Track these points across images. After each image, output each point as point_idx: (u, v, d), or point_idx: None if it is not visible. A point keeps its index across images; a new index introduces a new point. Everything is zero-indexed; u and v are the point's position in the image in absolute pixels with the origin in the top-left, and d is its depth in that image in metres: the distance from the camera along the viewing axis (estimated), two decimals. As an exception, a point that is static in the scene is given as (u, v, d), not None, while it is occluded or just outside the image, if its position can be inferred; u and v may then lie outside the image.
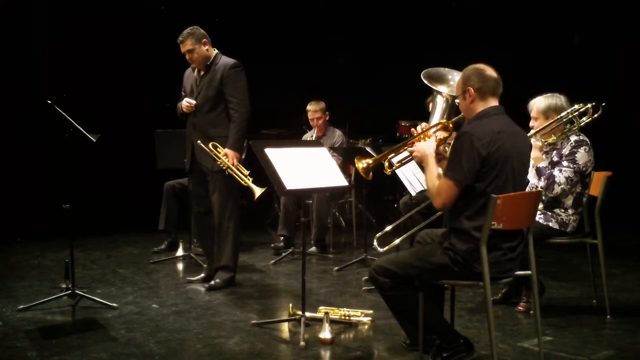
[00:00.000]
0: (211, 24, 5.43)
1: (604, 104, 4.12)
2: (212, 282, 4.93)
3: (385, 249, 3.76)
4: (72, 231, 4.46)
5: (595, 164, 4.20)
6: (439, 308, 3.49)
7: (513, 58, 7.86)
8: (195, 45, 4.83)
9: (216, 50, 4.97)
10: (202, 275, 5.15)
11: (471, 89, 3.19)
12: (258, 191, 4.73)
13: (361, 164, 3.49)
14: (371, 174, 3.51)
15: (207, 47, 4.89)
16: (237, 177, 4.78)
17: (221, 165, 4.78)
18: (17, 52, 7.26)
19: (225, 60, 4.92)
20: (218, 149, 4.80)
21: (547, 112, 4.22)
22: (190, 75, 5.05)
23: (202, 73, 4.93)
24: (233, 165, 4.78)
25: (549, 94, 4.28)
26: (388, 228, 4.04)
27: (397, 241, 3.82)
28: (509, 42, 8.25)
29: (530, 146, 3.34)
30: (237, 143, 4.83)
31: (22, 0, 7.37)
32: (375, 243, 3.73)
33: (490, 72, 3.21)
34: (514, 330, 3.95)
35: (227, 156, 4.78)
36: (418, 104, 5.94)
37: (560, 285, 5.03)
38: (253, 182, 4.76)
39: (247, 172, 4.79)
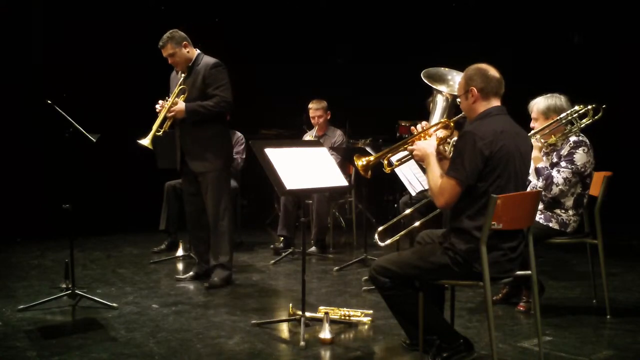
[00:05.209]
0: (211, 24, 5.43)
1: (604, 105, 4.12)
2: (211, 280, 4.96)
3: (385, 243, 3.76)
4: (72, 231, 4.46)
5: (595, 164, 4.19)
6: (439, 308, 3.49)
7: (513, 58, 7.86)
8: (176, 48, 4.84)
9: (198, 51, 4.98)
10: (191, 273, 5.19)
11: (474, 89, 3.19)
12: (145, 142, 4.68)
13: (360, 162, 3.48)
14: (370, 172, 3.51)
15: (188, 49, 4.90)
16: (158, 118, 4.75)
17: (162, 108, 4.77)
18: (17, 52, 7.26)
19: (207, 60, 4.92)
20: (179, 99, 4.78)
21: (547, 113, 4.22)
22: (174, 78, 5.07)
23: (185, 75, 4.92)
24: (167, 113, 4.74)
25: (549, 95, 4.28)
26: (389, 223, 4.04)
27: (396, 237, 3.83)
28: (509, 42, 8.25)
29: (532, 146, 3.34)
30: (195, 109, 4.77)
31: (22, 0, 7.37)
32: (376, 237, 3.74)
33: (493, 72, 3.21)
34: (514, 330, 3.94)
35: (176, 104, 4.76)
36: (418, 104, 5.94)
37: (560, 285, 5.03)
38: (155, 135, 4.72)
39: (159, 126, 4.74)
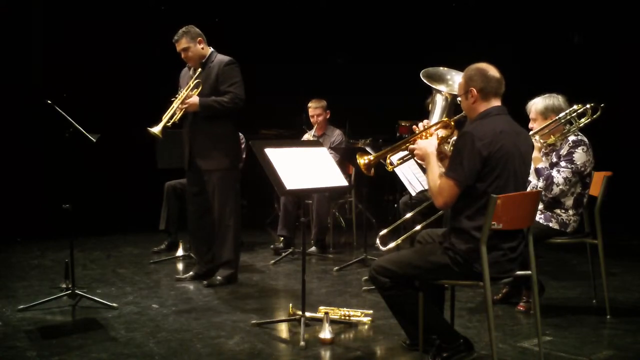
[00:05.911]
0: (211, 24, 5.42)
1: (602, 104, 4.12)
2: (213, 278, 4.97)
3: (387, 247, 3.77)
4: (72, 231, 4.46)
5: (595, 164, 4.19)
6: (439, 308, 3.49)
7: (513, 58, 7.86)
8: (190, 43, 4.86)
9: (211, 49, 4.99)
10: (191, 273, 5.19)
11: (474, 89, 3.18)
12: (155, 130, 4.69)
13: (362, 160, 3.49)
14: (373, 170, 3.51)
15: (202, 46, 4.91)
16: (169, 109, 4.77)
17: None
18: (17, 52, 7.26)
19: (221, 58, 4.93)
20: (194, 90, 4.80)
21: (545, 113, 4.22)
22: (185, 75, 5.07)
23: (197, 71, 4.91)
24: (180, 105, 4.76)
25: (547, 95, 4.28)
26: (390, 227, 4.04)
27: (398, 240, 3.83)
28: (509, 42, 8.25)
29: (532, 146, 3.33)
30: (209, 104, 4.79)
31: (22, 0, 7.38)
32: (378, 242, 3.74)
33: (493, 72, 3.20)
34: (514, 330, 3.94)
35: (190, 97, 4.77)
36: (418, 104, 5.94)
37: (560, 285, 5.03)
38: (165, 125, 4.74)
39: (170, 117, 4.76)
